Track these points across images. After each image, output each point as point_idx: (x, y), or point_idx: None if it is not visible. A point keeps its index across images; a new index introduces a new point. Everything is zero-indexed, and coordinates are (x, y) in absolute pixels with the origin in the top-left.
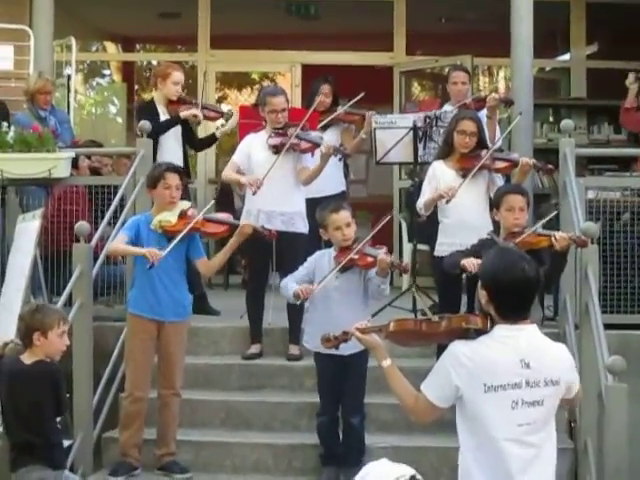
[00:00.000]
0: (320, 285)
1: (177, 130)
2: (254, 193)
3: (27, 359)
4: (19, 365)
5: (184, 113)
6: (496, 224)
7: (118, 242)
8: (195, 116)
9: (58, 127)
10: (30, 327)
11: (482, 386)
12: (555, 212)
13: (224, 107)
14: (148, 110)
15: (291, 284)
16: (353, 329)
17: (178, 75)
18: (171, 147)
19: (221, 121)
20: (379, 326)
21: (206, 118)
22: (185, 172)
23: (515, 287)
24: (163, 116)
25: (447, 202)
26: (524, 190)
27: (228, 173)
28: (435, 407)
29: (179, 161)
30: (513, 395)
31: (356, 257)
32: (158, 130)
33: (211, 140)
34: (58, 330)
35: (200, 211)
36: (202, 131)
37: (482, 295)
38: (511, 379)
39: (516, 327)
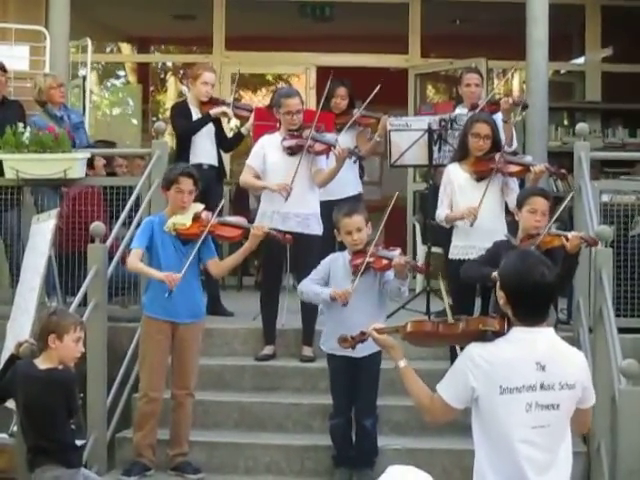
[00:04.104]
0: (355, 285)
1: (210, 130)
2: (286, 199)
3: (41, 364)
4: (33, 370)
5: (214, 111)
6: (510, 227)
7: (135, 258)
8: (225, 114)
9: (81, 120)
10: (46, 329)
11: (498, 388)
12: (571, 194)
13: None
14: (181, 111)
15: (317, 287)
16: (370, 329)
17: (208, 75)
18: (205, 147)
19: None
20: (396, 327)
21: (239, 117)
22: (220, 172)
23: (534, 290)
24: (196, 116)
25: (471, 225)
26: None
27: (248, 179)
28: (450, 408)
29: (213, 161)
30: (528, 397)
31: (371, 260)
32: (190, 130)
33: (238, 138)
34: (74, 335)
35: (212, 213)
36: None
37: (500, 296)
38: (526, 381)
39: (533, 330)
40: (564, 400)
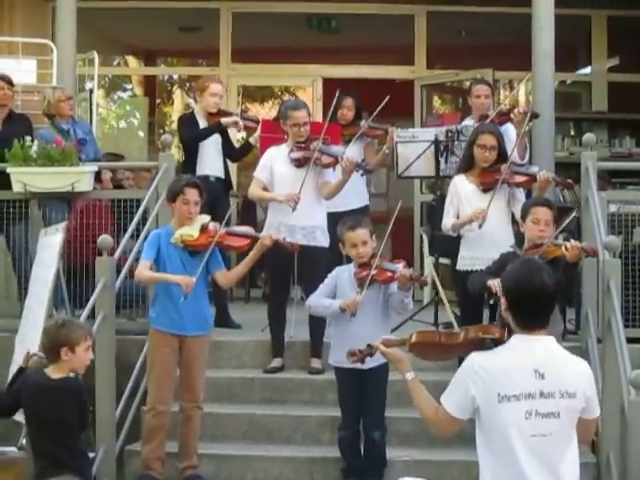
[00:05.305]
0: (362, 296)
1: (217, 141)
2: (294, 209)
3: (53, 374)
4: (45, 380)
5: (225, 120)
6: (517, 237)
7: (144, 269)
8: (236, 123)
9: (86, 136)
10: (56, 342)
11: (496, 396)
12: (573, 214)
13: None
14: (188, 122)
15: (325, 300)
16: (378, 343)
17: (216, 87)
18: (211, 158)
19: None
20: (402, 339)
21: (246, 128)
22: (227, 183)
23: (533, 296)
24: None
25: (480, 227)
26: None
27: (256, 191)
28: (454, 419)
29: (219, 172)
30: (527, 405)
31: (375, 272)
32: (196, 137)
33: (247, 148)
34: (85, 344)
35: (219, 223)
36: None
37: (502, 302)
38: (525, 389)
39: (532, 337)
40: (565, 409)
